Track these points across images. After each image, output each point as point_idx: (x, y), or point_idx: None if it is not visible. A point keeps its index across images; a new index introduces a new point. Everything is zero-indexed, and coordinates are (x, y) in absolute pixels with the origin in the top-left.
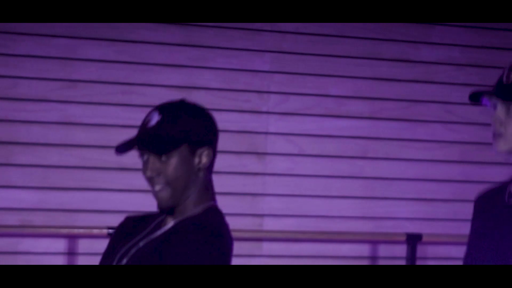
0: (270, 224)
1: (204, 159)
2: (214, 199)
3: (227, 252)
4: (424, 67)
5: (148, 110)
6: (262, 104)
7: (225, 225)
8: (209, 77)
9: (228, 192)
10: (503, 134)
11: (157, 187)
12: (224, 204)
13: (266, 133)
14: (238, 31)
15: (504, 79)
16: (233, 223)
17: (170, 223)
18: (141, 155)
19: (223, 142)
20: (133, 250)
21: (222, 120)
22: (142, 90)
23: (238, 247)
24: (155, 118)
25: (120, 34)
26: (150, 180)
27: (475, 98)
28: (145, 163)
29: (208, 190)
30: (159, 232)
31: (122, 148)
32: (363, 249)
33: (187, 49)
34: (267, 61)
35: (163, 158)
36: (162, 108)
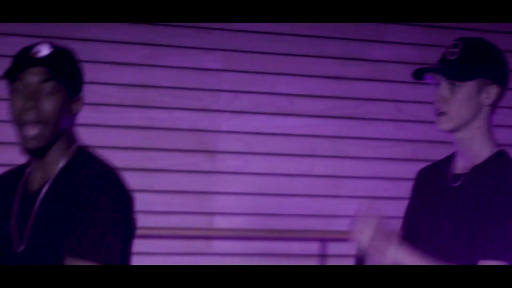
0: (220, 222)
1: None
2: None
3: None
4: (374, 66)
5: (98, 108)
6: (213, 103)
7: None
8: (161, 76)
9: (178, 190)
10: (447, 113)
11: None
12: (174, 202)
13: (217, 131)
14: (190, 29)
15: (449, 56)
16: (183, 221)
17: None
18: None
19: (174, 140)
20: None
21: (173, 119)
22: (93, 88)
23: (188, 246)
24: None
25: (70, 33)
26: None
27: (419, 76)
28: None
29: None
30: None
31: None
32: (314, 247)
33: (138, 47)
34: (218, 59)
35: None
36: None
